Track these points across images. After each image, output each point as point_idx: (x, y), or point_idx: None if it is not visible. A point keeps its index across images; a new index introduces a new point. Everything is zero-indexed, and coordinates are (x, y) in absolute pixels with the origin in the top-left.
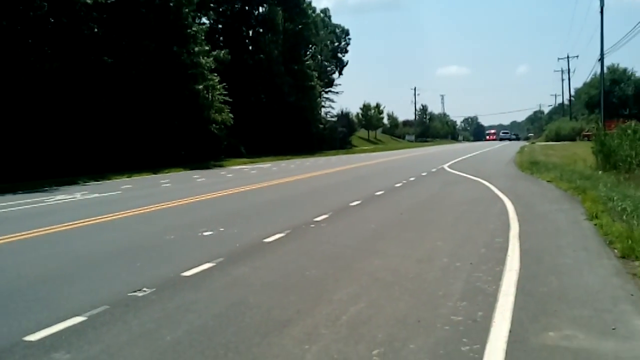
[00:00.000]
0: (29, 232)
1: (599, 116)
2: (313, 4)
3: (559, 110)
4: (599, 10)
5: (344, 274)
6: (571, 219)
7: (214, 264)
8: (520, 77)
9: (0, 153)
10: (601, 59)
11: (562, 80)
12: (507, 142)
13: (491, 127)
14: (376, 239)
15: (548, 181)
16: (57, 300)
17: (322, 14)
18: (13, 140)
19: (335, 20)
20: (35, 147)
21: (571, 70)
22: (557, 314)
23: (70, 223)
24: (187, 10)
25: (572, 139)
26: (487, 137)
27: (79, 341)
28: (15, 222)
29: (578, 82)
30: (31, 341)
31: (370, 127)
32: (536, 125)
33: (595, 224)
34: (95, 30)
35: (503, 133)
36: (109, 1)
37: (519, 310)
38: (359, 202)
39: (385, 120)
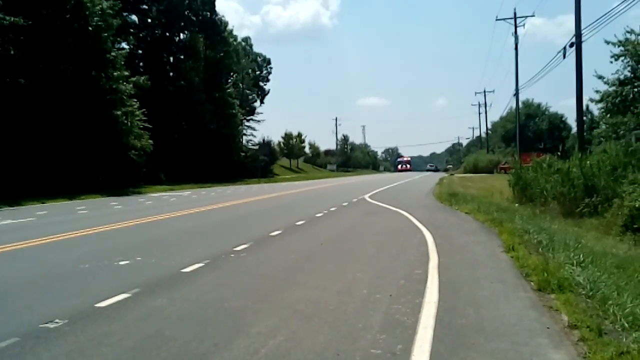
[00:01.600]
0: None
1: (515, 149)
2: (234, 32)
3: (477, 142)
4: (514, 46)
5: (263, 306)
6: (488, 251)
7: (130, 295)
8: (439, 110)
9: None
10: (516, 94)
11: (479, 113)
12: (427, 173)
13: (412, 159)
14: (297, 269)
15: (466, 213)
16: None
17: (243, 42)
18: None
19: (256, 49)
20: None
21: (488, 104)
22: (474, 347)
23: None
24: (106, 34)
25: (490, 171)
26: (399, 166)
27: None
28: None
29: (495, 115)
30: None
31: (292, 156)
32: (455, 157)
33: (512, 257)
34: (12, 52)
35: (430, 166)
36: (26, 23)
37: (438, 343)
38: (279, 231)
39: (307, 149)
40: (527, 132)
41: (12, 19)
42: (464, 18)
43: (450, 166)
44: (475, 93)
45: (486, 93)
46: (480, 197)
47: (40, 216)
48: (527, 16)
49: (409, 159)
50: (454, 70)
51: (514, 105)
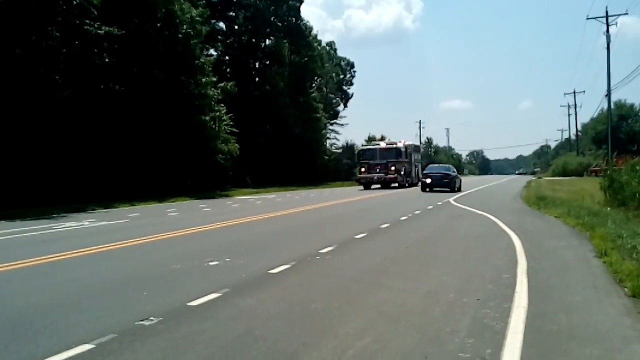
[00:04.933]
0: (38, 258)
1: (607, 152)
2: (319, 37)
3: (566, 145)
4: (606, 46)
5: (349, 308)
6: (580, 256)
7: (220, 294)
8: (525, 112)
9: (12, 180)
10: (608, 95)
11: (569, 115)
12: (513, 176)
13: (497, 162)
14: (382, 272)
15: (555, 217)
16: (65, 327)
17: (327, 47)
18: (24, 167)
19: (340, 53)
20: (45, 174)
21: (578, 106)
22: (567, 353)
23: (79, 250)
24: (195, 41)
25: (580, 175)
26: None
27: None
28: (25, 249)
29: (585, 117)
30: None
31: None
32: (542, 160)
33: (604, 262)
34: (106, 60)
35: (520, 170)
36: (120, 32)
37: (528, 348)
38: (364, 234)
39: None
40: (619, 134)
41: (107, 28)
42: (551, 18)
43: (538, 169)
44: (564, 94)
45: (576, 94)
46: (570, 200)
47: (132, 218)
48: (619, 14)
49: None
50: (540, 71)
51: (606, 107)
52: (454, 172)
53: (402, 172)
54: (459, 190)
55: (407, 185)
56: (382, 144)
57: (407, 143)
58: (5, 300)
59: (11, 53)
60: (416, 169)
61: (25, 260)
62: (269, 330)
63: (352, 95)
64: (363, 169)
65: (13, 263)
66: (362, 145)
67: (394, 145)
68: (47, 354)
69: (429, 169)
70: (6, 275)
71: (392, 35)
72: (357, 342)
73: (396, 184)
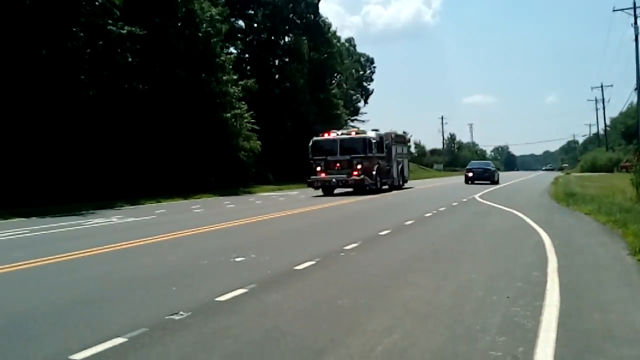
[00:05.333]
0: (70, 254)
1: (637, 147)
2: (337, 34)
3: (594, 140)
4: (634, 38)
5: (376, 304)
6: (612, 254)
7: (247, 290)
8: (550, 106)
9: (43, 177)
10: (638, 88)
11: (597, 109)
12: (540, 172)
13: (523, 158)
14: (408, 269)
15: (586, 213)
16: (98, 321)
17: (347, 43)
18: (53, 165)
19: (359, 49)
20: (73, 171)
21: (606, 100)
22: (603, 353)
23: (108, 246)
24: (215, 40)
25: (609, 170)
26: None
27: None
28: (56, 244)
29: (614, 111)
30: None
31: None
32: (570, 156)
33: (639, 260)
34: (129, 59)
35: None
36: (142, 32)
37: (562, 347)
38: (388, 231)
39: (413, 149)
40: None
41: (130, 28)
42: (576, 9)
43: (566, 165)
44: (592, 88)
45: (604, 88)
46: (600, 197)
47: (158, 214)
48: None
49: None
50: (565, 64)
51: (635, 100)
52: (493, 167)
53: (374, 172)
54: (497, 182)
55: (380, 187)
56: (341, 133)
57: (382, 132)
58: (41, 293)
59: (37, 54)
60: (399, 166)
61: (57, 256)
62: (296, 326)
63: (372, 92)
64: (319, 168)
65: (46, 258)
66: (316, 137)
67: (361, 136)
68: (83, 346)
69: (471, 164)
70: (40, 270)
71: (412, 30)
72: (386, 339)
73: (367, 187)
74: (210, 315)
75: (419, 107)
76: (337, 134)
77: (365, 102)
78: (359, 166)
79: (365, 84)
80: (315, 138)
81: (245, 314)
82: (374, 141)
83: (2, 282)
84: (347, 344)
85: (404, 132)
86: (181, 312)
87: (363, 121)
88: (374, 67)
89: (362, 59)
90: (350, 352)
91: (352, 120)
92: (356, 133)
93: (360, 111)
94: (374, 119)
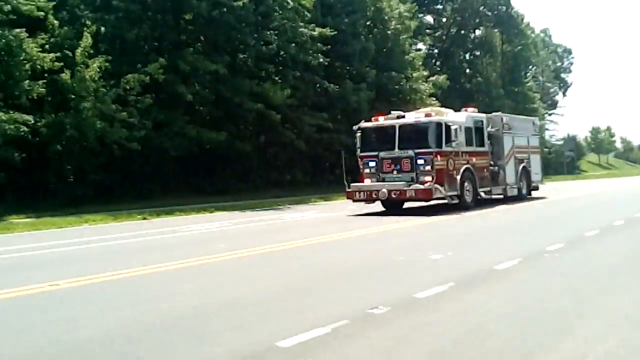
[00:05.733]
0: (272, 245)
1: None
2: (531, 25)
3: None
4: None
5: (586, 309)
6: None
7: (445, 288)
8: None
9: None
10: None
11: None
12: None
13: None
14: (619, 274)
15: None
16: (301, 310)
17: (542, 34)
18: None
19: (555, 40)
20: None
21: None
22: None
23: (305, 240)
24: (404, 37)
25: None
26: None
27: (325, 352)
28: (258, 237)
29: None
30: (283, 347)
31: (600, 152)
32: None
33: None
34: (320, 60)
35: None
36: (332, 32)
37: None
38: (595, 231)
39: (618, 144)
40: None
41: (320, 30)
42: None
43: None
44: None
45: None
46: None
47: (351, 210)
48: None
49: None
50: None
51: None
52: None
53: (456, 176)
54: None
55: (472, 200)
56: (402, 118)
57: (482, 115)
58: (256, 282)
59: (234, 58)
60: (519, 165)
61: (261, 247)
62: (501, 327)
63: (571, 84)
64: (367, 171)
65: (252, 249)
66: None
67: (432, 119)
68: (288, 334)
69: None
70: (248, 260)
71: (614, 16)
72: (599, 346)
73: (439, 199)
74: (409, 311)
75: (627, 100)
76: (397, 118)
77: (564, 95)
78: (427, 167)
79: (563, 75)
80: (362, 124)
81: (444, 312)
82: (455, 127)
83: (211, 271)
84: (556, 348)
85: (533, 117)
86: (381, 307)
87: (562, 115)
88: (572, 58)
89: (558, 50)
90: (560, 357)
91: (550, 115)
92: (426, 115)
93: (559, 104)
94: (575, 112)
